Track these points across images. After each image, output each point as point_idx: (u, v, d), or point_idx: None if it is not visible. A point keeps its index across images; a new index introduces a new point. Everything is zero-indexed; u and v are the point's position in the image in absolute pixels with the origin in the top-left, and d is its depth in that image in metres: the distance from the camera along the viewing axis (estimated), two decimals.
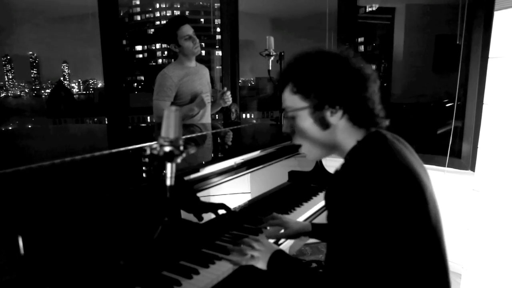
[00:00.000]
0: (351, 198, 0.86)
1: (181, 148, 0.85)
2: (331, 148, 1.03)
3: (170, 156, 0.84)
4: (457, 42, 2.56)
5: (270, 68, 2.29)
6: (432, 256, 0.92)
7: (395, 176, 0.88)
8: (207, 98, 2.50)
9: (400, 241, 0.85)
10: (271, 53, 2.24)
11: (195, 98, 2.50)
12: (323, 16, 3.20)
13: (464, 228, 2.40)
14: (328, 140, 1.00)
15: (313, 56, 0.99)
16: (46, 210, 0.89)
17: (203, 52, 3.38)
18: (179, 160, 0.85)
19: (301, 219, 1.63)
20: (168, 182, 0.87)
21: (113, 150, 1.60)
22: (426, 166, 2.56)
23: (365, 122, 0.99)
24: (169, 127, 0.84)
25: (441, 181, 2.63)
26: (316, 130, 0.99)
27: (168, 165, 0.86)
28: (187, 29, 2.47)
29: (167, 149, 0.84)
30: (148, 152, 0.85)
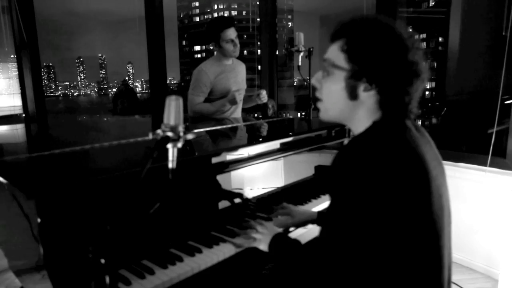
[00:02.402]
0: (350, 174, 0.87)
1: (181, 134, 0.93)
2: (347, 118, 1.01)
3: (169, 141, 0.93)
4: (503, 33, 2.40)
5: (300, 64, 2.32)
6: (427, 248, 0.91)
7: (398, 159, 0.87)
8: (240, 96, 2.54)
9: (391, 225, 0.85)
10: (300, 49, 2.28)
11: (227, 95, 2.57)
12: (361, 12, 3.15)
13: (502, 232, 2.26)
14: (348, 110, 0.98)
15: (380, 27, 0.94)
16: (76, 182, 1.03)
17: (259, 51, 3.47)
18: (179, 145, 0.93)
19: (315, 209, 1.66)
20: (170, 165, 0.95)
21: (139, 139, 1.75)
22: (466, 165, 2.44)
23: (392, 112, 0.96)
24: (170, 115, 0.93)
25: (482, 181, 2.48)
26: (342, 97, 0.97)
27: (170, 149, 0.94)
28: (231, 33, 2.50)
29: (168, 134, 0.93)
30: (150, 137, 0.95)
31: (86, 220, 0.97)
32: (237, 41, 2.54)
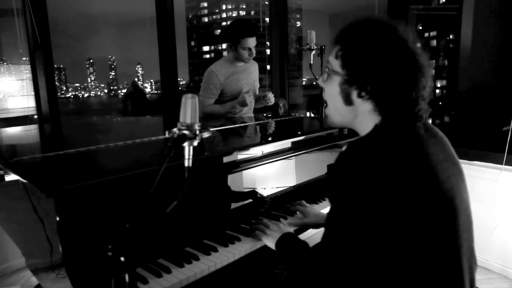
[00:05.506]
0: (348, 179, 0.85)
1: (197, 132, 0.93)
2: (350, 123, 1.01)
3: (186, 139, 0.92)
4: None
5: (312, 62, 2.31)
6: (441, 251, 0.87)
7: (399, 162, 0.84)
8: (250, 98, 2.53)
9: (396, 229, 0.83)
10: (312, 47, 2.27)
11: (238, 96, 2.58)
12: (373, 9, 3.13)
13: None
14: (348, 115, 0.99)
15: (376, 33, 0.92)
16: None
17: (267, 51, 3.45)
18: (195, 143, 0.93)
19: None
20: (186, 163, 0.95)
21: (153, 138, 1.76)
22: (482, 163, 2.41)
23: (392, 116, 0.93)
24: (186, 113, 0.93)
25: (497, 180, 2.44)
26: (339, 101, 0.98)
27: (186, 147, 0.94)
28: (251, 42, 2.47)
29: (184, 132, 0.93)
30: (167, 136, 0.95)
31: (105, 218, 0.97)
32: (254, 50, 2.51)
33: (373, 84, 0.91)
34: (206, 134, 0.95)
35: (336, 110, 1.01)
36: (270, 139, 1.84)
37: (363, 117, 0.97)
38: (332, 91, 0.99)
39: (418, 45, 0.93)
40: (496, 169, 2.46)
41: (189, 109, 0.94)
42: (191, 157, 0.94)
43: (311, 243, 1.15)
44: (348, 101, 0.96)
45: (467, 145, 3.05)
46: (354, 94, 0.94)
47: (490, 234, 2.49)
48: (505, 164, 2.41)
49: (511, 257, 2.44)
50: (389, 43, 0.90)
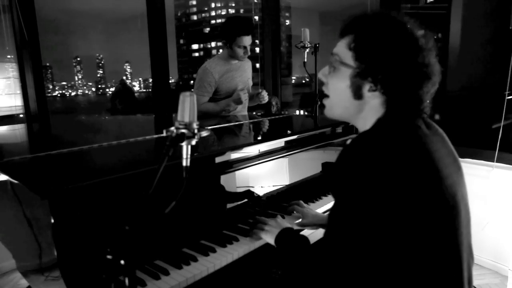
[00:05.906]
0: (354, 174, 0.85)
1: (195, 131, 0.91)
2: (352, 117, 0.99)
3: (184, 138, 0.90)
4: (510, 28, 2.38)
5: (306, 60, 2.31)
6: (442, 246, 0.87)
7: (405, 157, 0.84)
8: (245, 96, 2.52)
9: (400, 224, 0.83)
10: (306, 45, 2.26)
11: (232, 94, 2.56)
12: (365, 7, 3.13)
13: (510, 227, 2.25)
14: (353, 109, 0.96)
15: (390, 25, 0.90)
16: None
17: (257, 49, 3.44)
18: (193, 142, 0.91)
19: (327, 207, 1.65)
20: (184, 163, 0.93)
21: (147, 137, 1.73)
22: (473, 161, 2.43)
23: (398, 111, 0.93)
24: (184, 112, 0.91)
25: (489, 177, 2.47)
26: (347, 95, 0.95)
27: (184, 147, 0.92)
28: (246, 41, 2.44)
29: (182, 131, 0.90)
30: (164, 134, 0.92)
31: (102, 220, 0.94)
32: (249, 48, 2.48)
33: (389, 78, 0.89)
34: (204, 133, 0.93)
35: (340, 103, 0.98)
36: (265, 138, 1.82)
37: (369, 111, 0.95)
38: (339, 84, 0.96)
39: (431, 42, 0.92)
40: (487, 166, 2.49)
41: (187, 108, 0.92)
42: (189, 156, 0.92)
43: (311, 241, 1.15)
44: (357, 94, 0.94)
45: (457, 142, 3.08)
46: (365, 88, 0.92)
47: (482, 231, 2.51)
48: (496, 162, 2.44)
49: (502, 253, 2.47)
50: (407, 38, 0.89)
